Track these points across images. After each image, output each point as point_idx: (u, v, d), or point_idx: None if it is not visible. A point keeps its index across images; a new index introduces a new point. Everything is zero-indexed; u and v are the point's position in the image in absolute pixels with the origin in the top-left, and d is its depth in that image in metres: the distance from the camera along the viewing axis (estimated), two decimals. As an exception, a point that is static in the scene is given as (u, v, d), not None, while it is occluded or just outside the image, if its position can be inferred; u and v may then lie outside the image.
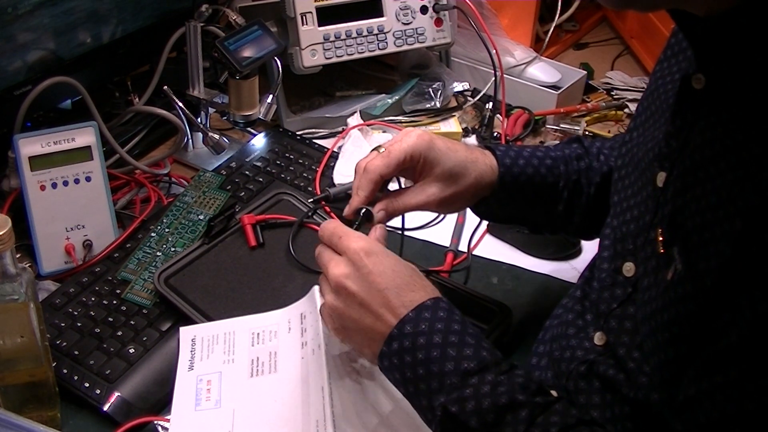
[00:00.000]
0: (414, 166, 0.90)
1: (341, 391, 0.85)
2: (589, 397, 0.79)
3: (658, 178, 0.75)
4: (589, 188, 0.98)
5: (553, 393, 0.78)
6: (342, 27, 1.38)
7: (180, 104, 1.29)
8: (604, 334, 0.81)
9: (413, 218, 1.23)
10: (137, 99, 1.36)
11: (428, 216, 1.24)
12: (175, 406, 0.91)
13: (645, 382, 0.74)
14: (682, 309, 0.66)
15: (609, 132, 1.47)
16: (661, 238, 0.71)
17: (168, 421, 0.90)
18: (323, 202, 1.22)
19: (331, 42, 1.37)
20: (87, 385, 0.94)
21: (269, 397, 0.89)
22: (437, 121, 1.44)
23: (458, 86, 1.50)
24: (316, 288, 0.96)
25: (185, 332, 0.99)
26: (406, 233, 1.21)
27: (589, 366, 0.81)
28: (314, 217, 1.18)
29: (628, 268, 0.79)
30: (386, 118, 1.42)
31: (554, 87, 1.51)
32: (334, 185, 1.26)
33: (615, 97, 1.56)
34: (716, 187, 0.65)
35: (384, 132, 1.38)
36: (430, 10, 1.43)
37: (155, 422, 0.91)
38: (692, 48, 0.71)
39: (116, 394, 0.93)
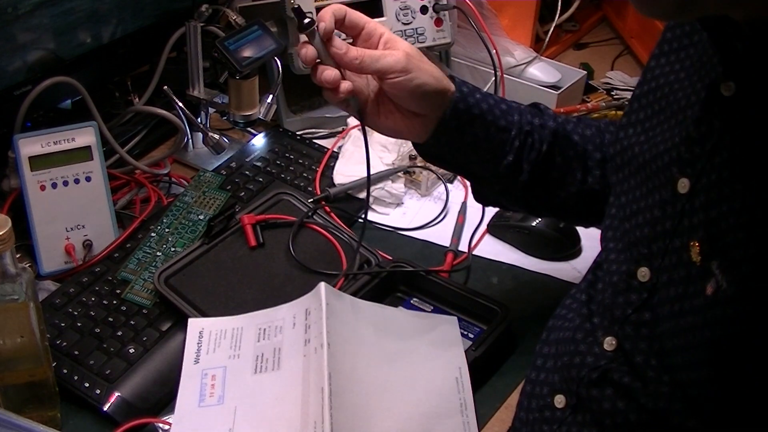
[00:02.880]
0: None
1: (341, 393, 0.85)
2: (600, 404, 0.78)
3: (679, 185, 0.73)
4: (540, 145, 0.95)
5: (561, 398, 0.79)
6: (342, 27, 1.38)
7: (180, 104, 1.29)
8: (615, 339, 0.79)
9: (414, 218, 1.23)
10: (137, 99, 1.36)
11: (428, 216, 1.24)
12: (180, 401, 0.91)
13: (666, 392, 0.73)
14: (729, 330, 0.64)
15: (609, 132, 1.47)
16: (697, 250, 0.69)
17: (167, 423, 0.90)
18: (323, 202, 1.22)
19: (331, 42, 1.37)
20: (87, 385, 0.94)
21: (271, 396, 0.89)
22: (437, 121, 1.44)
23: (458, 86, 1.50)
24: (321, 284, 0.96)
25: (193, 324, 0.99)
26: (407, 233, 1.21)
27: (602, 373, 0.79)
28: (314, 217, 1.18)
29: (643, 273, 0.77)
30: (386, 118, 1.42)
31: (554, 87, 1.51)
32: (334, 185, 1.26)
33: (615, 97, 1.56)
34: (762, 201, 0.63)
35: (384, 132, 1.38)
36: (430, 10, 1.43)
37: (155, 423, 0.91)
38: (720, 55, 0.69)
39: (116, 394, 0.93)
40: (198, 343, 0.97)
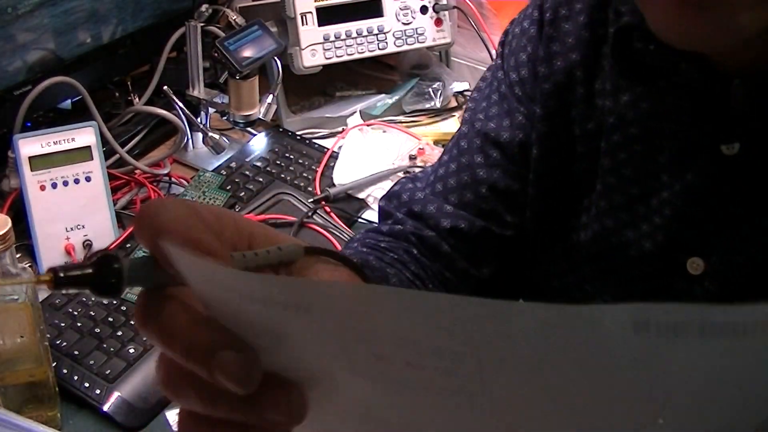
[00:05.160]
0: None
1: None
2: None
3: (689, 266, 0.64)
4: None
5: None
6: (342, 27, 1.38)
7: (180, 104, 1.29)
8: None
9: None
10: (137, 99, 1.36)
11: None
12: None
13: None
14: None
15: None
16: None
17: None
18: (323, 202, 1.22)
19: (331, 42, 1.37)
20: (87, 385, 0.94)
21: None
22: (437, 121, 1.44)
23: (458, 86, 1.50)
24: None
25: None
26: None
27: None
28: (314, 217, 1.18)
29: None
30: (386, 118, 1.42)
31: (554, 87, 1.51)
32: (334, 185, 1.26)
33: (615, 97, 1.56)
34: None
35: (384, 132, 1.38)
36: (430, 10, 1.43)
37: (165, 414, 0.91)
38: (717, 117, 0.61)
39: (116, 394, 0.93)
40: None
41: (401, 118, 1.43)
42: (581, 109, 0.69)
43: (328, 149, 1.34)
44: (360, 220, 1.23)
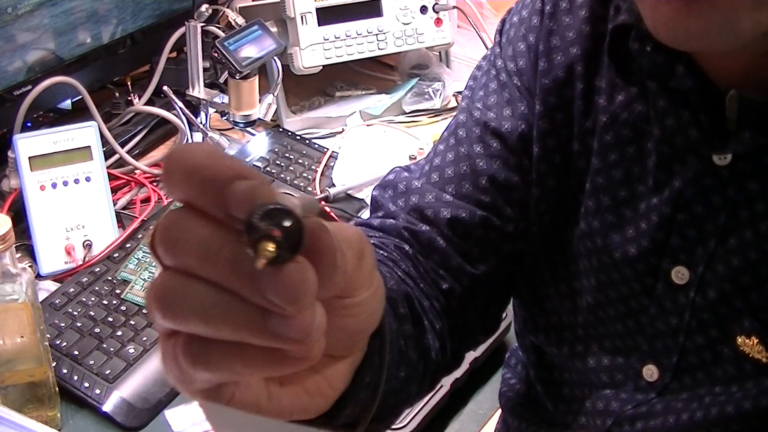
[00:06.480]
0: None
1: None
2: None
3: (674, 275, 0.63)
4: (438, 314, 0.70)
5: None
6: (341, 27, 1.38)
7: (180, 104, 1.29)
8: None
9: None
10: (137, 99, 1.36)
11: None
12: None
13: None
14: None
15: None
16: (753, 344, 0.60)
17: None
18: (323, 202, 1.22)
19: (330, 42, 1.38)
20: (87, 385, 0.94)
21: None
22: (437, 121, 1.44)
23: (458, 86, 1.50)
24: None
25: None
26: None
27: None
28: (314, 217, 1.17)
29: (650, 372, 0.67)
30: (386, 118, 1.42)
31: (554, 87, 1.51)
32: (334, 185, 1.26)
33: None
34: None
35: (384, 132, 1.38)
36: (430, 10, 1.43)
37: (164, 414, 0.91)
38: (707, 124, 0.59)
39: (116, 394, 0.93)
40: None
41: (401, 118, 1.43)
42: (580, 105, 0.67)
43: (328, 149, 1.34)
44: (360, 220, 1.23)
